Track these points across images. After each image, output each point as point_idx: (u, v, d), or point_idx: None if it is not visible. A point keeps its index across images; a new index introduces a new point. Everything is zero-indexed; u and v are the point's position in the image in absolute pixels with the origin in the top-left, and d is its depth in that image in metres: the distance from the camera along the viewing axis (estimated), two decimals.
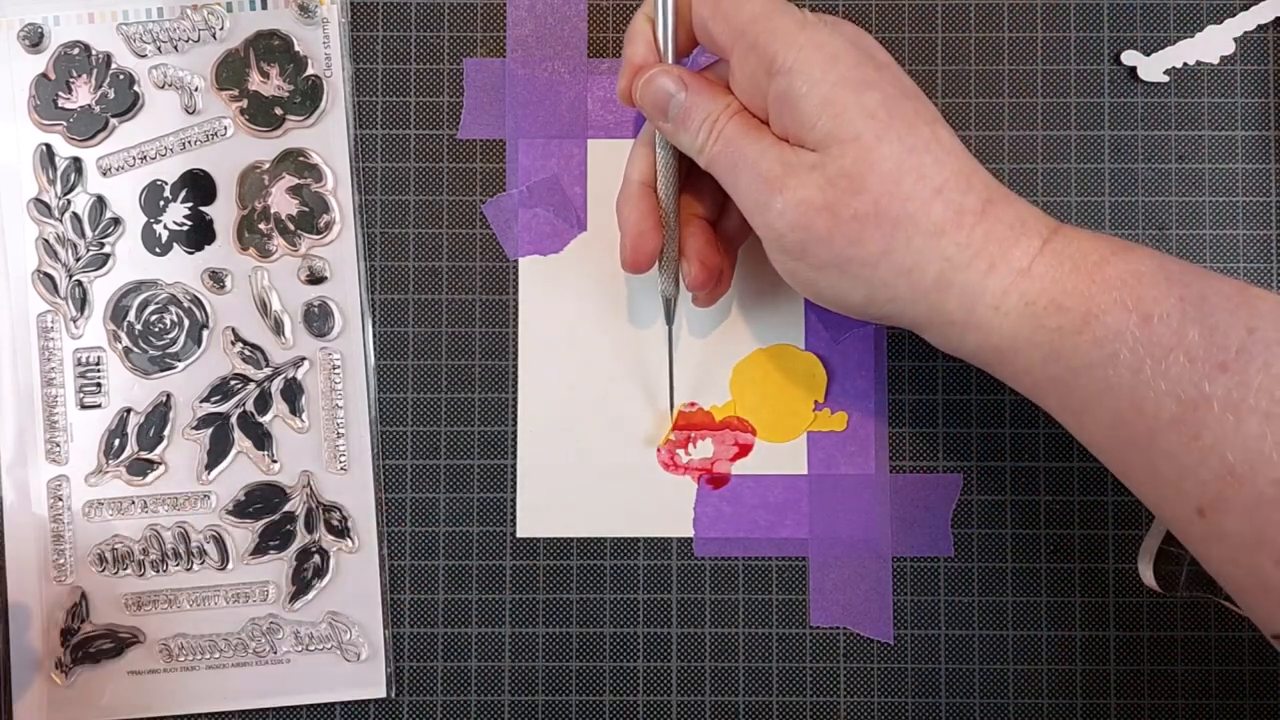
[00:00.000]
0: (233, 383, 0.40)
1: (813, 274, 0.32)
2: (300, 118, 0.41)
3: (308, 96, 0.41)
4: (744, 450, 0.40)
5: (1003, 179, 0.37)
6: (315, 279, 0.41)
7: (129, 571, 0.40)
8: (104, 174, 0.41)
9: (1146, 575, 0.39)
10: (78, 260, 0.40)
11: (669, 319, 0.38)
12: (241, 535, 0.40)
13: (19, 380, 0.40)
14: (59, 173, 0.40)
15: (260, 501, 0.40)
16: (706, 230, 0.37)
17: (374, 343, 0.41)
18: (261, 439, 0.40)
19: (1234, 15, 0.41)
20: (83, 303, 0.40)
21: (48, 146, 0.40)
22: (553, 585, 0.40)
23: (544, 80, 0.41)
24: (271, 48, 0.41)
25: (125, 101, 0.40)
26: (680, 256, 0.37)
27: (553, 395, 0.41)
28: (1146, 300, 0.29)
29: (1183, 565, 0.38)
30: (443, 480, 0.40)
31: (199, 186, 0.41)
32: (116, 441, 0.40)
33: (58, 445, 0.40)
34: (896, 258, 0.31)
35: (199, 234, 0.41)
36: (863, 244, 0.31)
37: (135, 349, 0.40)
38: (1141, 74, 0.41)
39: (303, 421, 0.40)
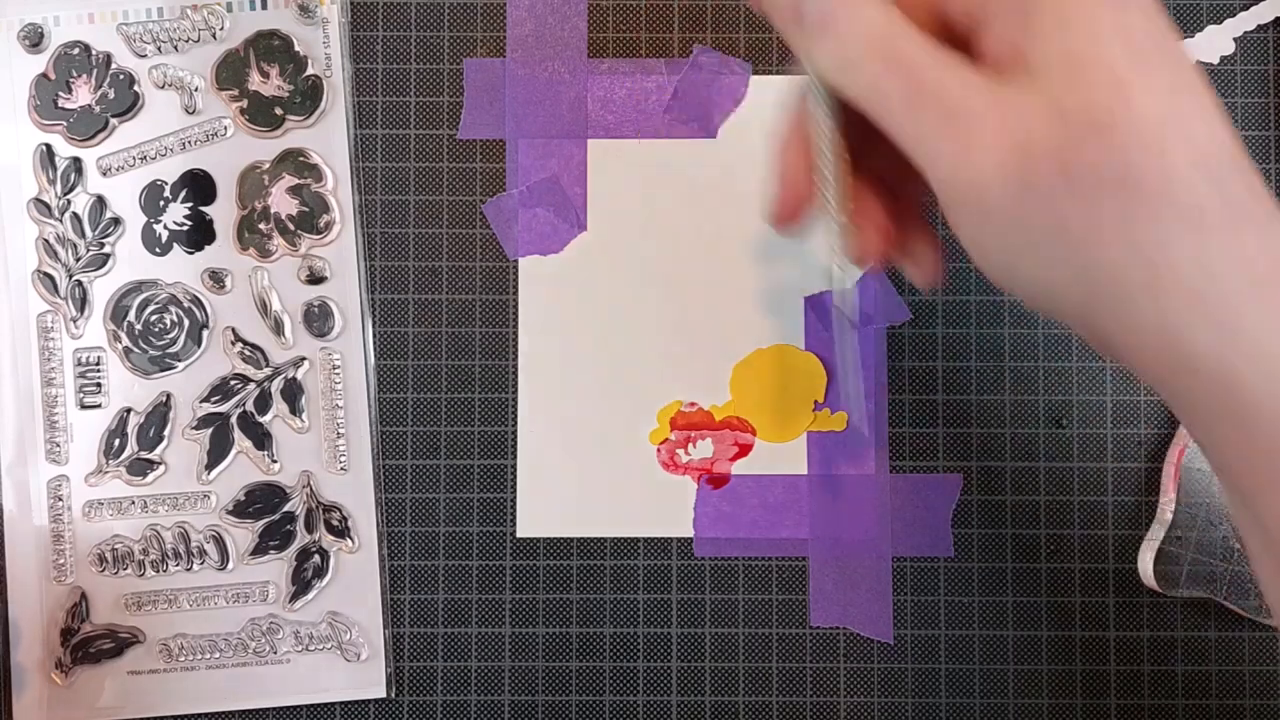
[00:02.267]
0: (233, 383, 0.40)
1: (1016, 245, 0.24)
2: (300, 118, 0.41)
3: (308, 96, 0.41)
4: (744, 450, 0.40)
5: None
6: (315, 279, 0.41)
7: (129, 571, 0.40)
8: (104, 174, 0.41)
9: (1146, 575, 0.39)
10: (78, 260, 0.40)
11: (839, 296, 0.33)
12: (241, 535, 0.40)
13: (19, 380, 0.40)
14: (59, 173, 0.40)
15: (260, 501, 0.40)
16: (878, 192, 0.29)
17: (374, 343, 0.41)
18: (261, 439, 0.40)
19: (1234, 15, 0.41)
20: (83, 303, 0.40)
21: (48, 146, 0.40)
22: (553, 585, 0.40)
23: (544, 80, 0.41)
24: (271, 48, 0.41)
25: (125, 101, 0.40)
26: (850, 220, 0.28)
27: (553, 395, 0.41)
28: None
29: (1183, 565, 0.38)
30: (443, 480, 0.40)
31: (199, 186, 0.41)
32: (116, 441, 0.40)
33: (58, 445, 0.40)
34: (1137, 236, 0.22)
35: (199, 234, 0.41)
36: (1096, 210, 0.22)
37: (135, 349, 0.40)
38: None
39: (303, 421, 0.40)
